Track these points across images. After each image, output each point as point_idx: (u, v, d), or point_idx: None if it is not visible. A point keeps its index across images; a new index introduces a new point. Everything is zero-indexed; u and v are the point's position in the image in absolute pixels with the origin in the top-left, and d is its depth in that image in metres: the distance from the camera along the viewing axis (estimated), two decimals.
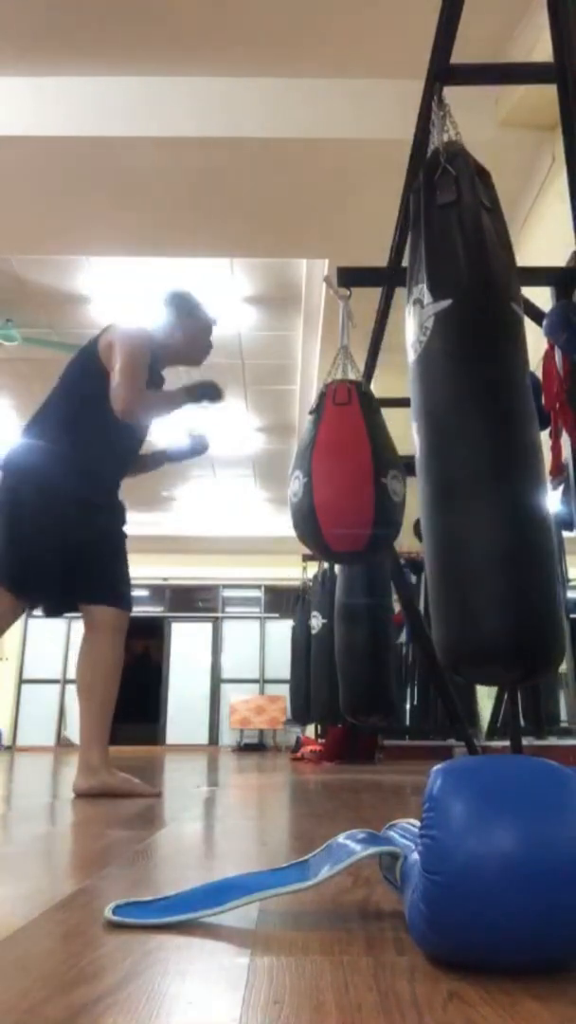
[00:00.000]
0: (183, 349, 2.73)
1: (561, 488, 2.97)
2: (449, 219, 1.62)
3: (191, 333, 2.72)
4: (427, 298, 1.58)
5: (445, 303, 1.55)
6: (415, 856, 0.67)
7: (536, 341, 2.82)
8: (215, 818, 2.07)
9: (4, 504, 2.44)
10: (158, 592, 12.24)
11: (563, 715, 5.35)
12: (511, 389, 1.53)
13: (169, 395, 2.66)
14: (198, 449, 2.86)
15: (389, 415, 2.68)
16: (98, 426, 2.49)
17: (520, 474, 1.48)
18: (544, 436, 2.88)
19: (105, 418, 2.46)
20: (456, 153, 1.69)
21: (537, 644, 1.45)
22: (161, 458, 2.88)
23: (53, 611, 2.70)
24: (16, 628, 11.44)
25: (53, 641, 11.47)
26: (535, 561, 1.45)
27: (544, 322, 2.60)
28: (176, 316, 2.71)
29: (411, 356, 1.63)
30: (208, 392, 2.73)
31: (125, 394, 2.43)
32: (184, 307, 2.72)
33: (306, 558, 7.00)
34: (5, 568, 2.42)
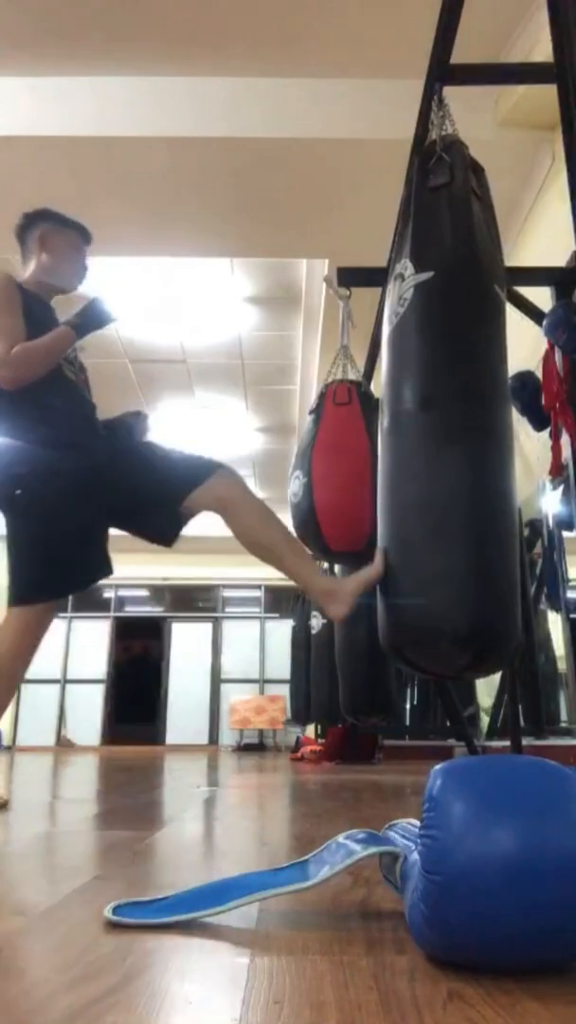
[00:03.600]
0: (53, 275, 2.39)
1: (561, 488, 2.97)
2: (439, 199, 1.62)
3: (54, 255, 2.40)
4: (409, 270, 1.57)
5: (427, 275, 1.53)
6: (415, 856, 0.68)
7: (536, 341, 2.82)
8: (215, 818, 2.07)
9: (11, 517, 2.21)
10: (158, 592, 12.25)
11: (563, 715, 5.34)
12: (480, 362, 1.50)
13: (54, 337, 2.25)
14: (142, 426, 2.46)
15: None
16: (21, 400, 2.18)
17: (482, 450, 1.44)
18: (544, 436, 2.89)
19: (24, 392, 2.16)
20: (452, 143, 1.70)
21: (490, 626, 1.38)
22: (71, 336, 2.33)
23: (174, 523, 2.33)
24: None
25: (53, 641, 11.48)
26: (493, 539, 1.39)
27: (544, 322, 2.60)
28: (33, 242, 2.40)
29: (386, 329, 1.61)
30: (95, 315, 2.33)
31: None
32: (37, 230, 2.41)
33: None
34: (39, 583, 2.19)
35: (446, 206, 1.60)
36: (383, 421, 1.57)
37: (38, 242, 2.41)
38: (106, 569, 2.31)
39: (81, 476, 2.17)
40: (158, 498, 2.22)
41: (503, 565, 1.40)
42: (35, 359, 2.19)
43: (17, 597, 2.17)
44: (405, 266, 1.59)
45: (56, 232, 2.43)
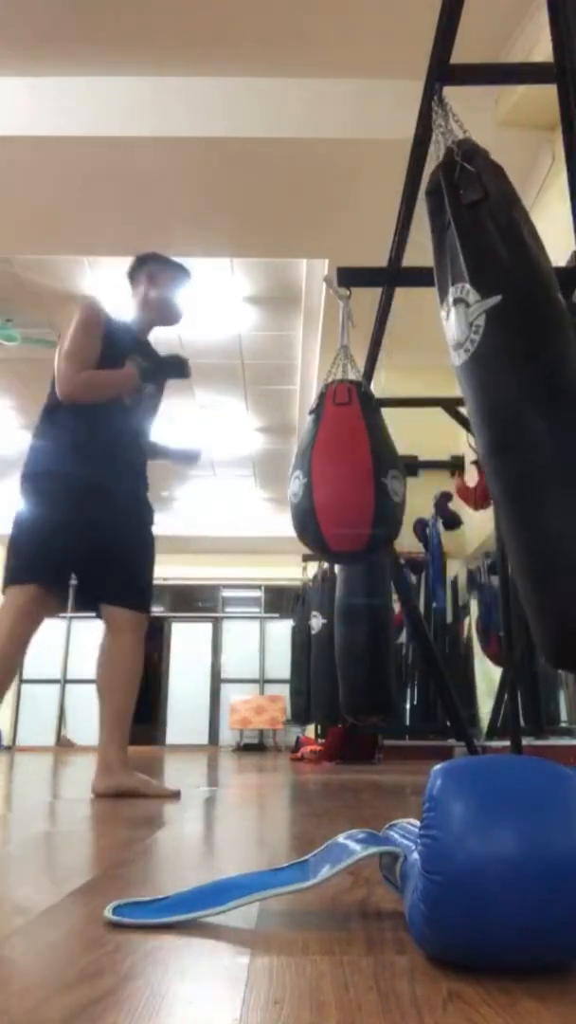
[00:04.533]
0: (154, 312, 2.71)
1: None
2: (480, 216, 1.60)
3: (158, 295, 2.70)
4: (472, 296, 1.55)
5: (494, 299, 1.52)
6: (415, 856, 0.67)
7: None
8: (215, 818, 2.07)
9: (26, 505, 2.47)
10: (158, 592, 12.22)
11: (563, 715, 5.34)
12: (570, 380, 1.50)
13: (120, 376, 2.54)
14: (189, 458, 2.83)
15: (389, 415, 2.68)
16: (77, 413, 2.47)
17: None
18: None
19: (80, 406, 2.46)
20: (472, 150, 1.68)
21: None
22: (155, 451, 2.82)
23: (83, 604, 2.63)
24: None
25: (53, 641, 11.48)
26: None
27: None
28: (142, 280, 2.71)
29: (461, 357, 1.59)
30: (166, 368, 2.67)
31: (60, 377, 2.42)
32: (146, 268, 2.72)
33: (306, 558, 7.00)
34: (31, 564, 2.41)
35: (491, 223, 1.58)
36: (484, 448, 1.56)
37: (146, 287, 2.70)
38: (83, 593, 2.58)
39: (85, 496, 2.43)
40: (107, 580, 2.49)
41: None
42: (96, 388, 2.50)
43: (11, 577, 2.41)
44: (465, 291, 1.57)
45: (162, 271, 2.73)
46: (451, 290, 1.62)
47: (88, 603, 2.56)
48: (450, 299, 1.63)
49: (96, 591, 2.52)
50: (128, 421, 2.59)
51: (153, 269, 2.71)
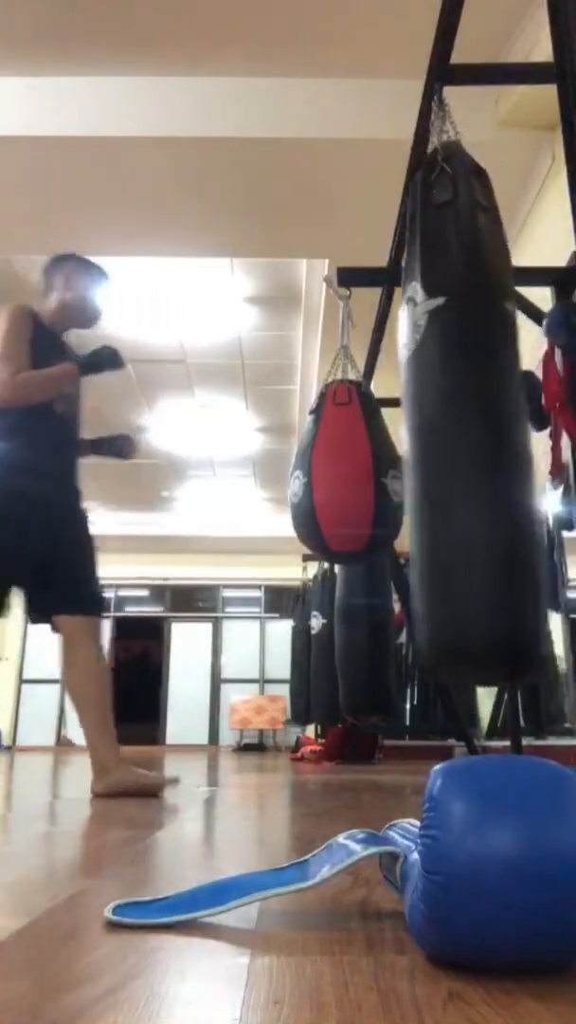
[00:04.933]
0: (71, 315, 2.67)
1: (561, 488, 2.97)
2: (445, 218, 1.62)
3: (75, 295, 2.65)
4: (420, 296, 1.58)
5: (438, 300, 1.55)
6: (415, 856, 0.68)
7: (536, 341, 2.82)
8: (215, 818, 2.07)
9: None
10: (158, 592, 12.25)
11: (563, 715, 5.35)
12: (502, 389, 1.52)
13: (59, 371, 2.51)
14: (121, 447, 2.78)
15: (389, 415, 2.68)
16: (13, 420, 2.44)
17: (510, 474, 1.48)
18: (544, 436, 2.89)
19: (12, 416, 2.43)
20: (454, 152, 1.69)
21: (522, 646, 1.44)
22: (86, 448, 2.77)
23: (35, 619, 2.62)
24: (16, 628, 11.47)
25: (53, 641, 11.40)
26: (525, 562, 1.43)
27: (544, 322, 2.60)
28: (57, 280, 2.67)
29: (404, 355, 1.62)
30: (102, 361, 2.60)
31: None
32: (62, 269, 2.68)
33: (306, 558, 7.00)
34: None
35: (452, 226, 1.60)
36: (411, 446, 1.57)
37: (61, 287, 2.65)
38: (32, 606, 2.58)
39: (27, 515, 2.41)
40: (52, 592, 2.48)
41: (534, 588, 1.44)
42: (37, 388, 2.49)
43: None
44: (416, 290, 1.59)
45: (78, 273, 2.67)
46: (407, 288, 1.64)
47: (41, 618, 2.55)
48: (405, 297, 1.64)
49: (47, 605, 2.51)
50: (61, 429, 2.58)
51: (69, 271, 2.67)
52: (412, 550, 1.54)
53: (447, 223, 1.61)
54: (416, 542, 1.53)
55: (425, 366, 1.56)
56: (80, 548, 2.56)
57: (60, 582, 2.47)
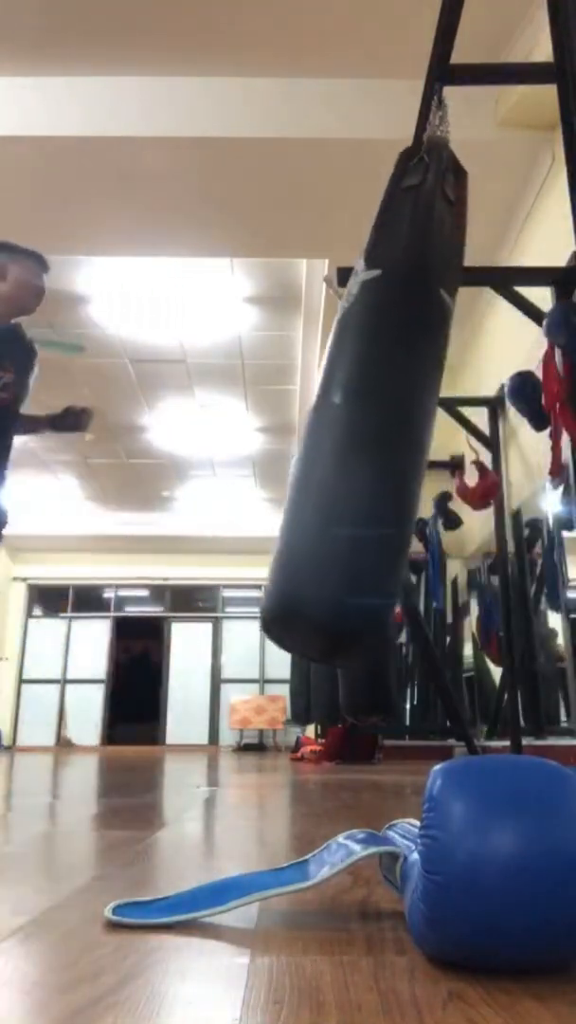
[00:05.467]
0: (9, 304, 2.67)
1: (561, 488, 2.97)
2: (405, 200, 1.64)
3: (12, 286, 2.65)
4: (360, 266, 1.60)
5: (374, 272, 1.56)
6: (415, 856, 0.68)
7: (536, 341, 2.82)
8: (215, 818, 2.07)
9: None
10: (158, 592, 12.24)
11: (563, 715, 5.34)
12: (414, 371, 1.52)
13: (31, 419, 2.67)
14: (71, 421, 2.81)
15: None
16: None
17: (389, 456, 1.46)
18: (544, 436, 2.89)
19: None
20: (436, 146, 1.70)
21: (347, 617, 1.40)
22: (41, 426, 2.81)
23: None
24: (16, 628, 11.48)
25: (53, 641, 11.48)
26: (378, 538, 1.41)
27: (544, 322, 2.60)
28: None
29: (335, 323, 1.64)
30: (66, 423, 2.76)
31: None
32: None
33: None
34: None
35: (409, 207, 1.62)
36: (312, 406, 1.58)
37: None
38: None
39: None
40: None
41: (376, 564, 1.41)
42: None
43: None
44: (359, 263, 1.62)
45: (13, 262, 2.66)
46: (356, 263, 1.66)
47: None
48: (352, 276, 1.66)
49: None
50: None
51: (4, 260, 2.66)
52: (289, 500, 1.52)
53: (405, 205, 1.63)
54: (296, 493, 1.51)
55: (344, 331, 1.57)
56: None
57: None
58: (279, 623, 1.48)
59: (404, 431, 1.49)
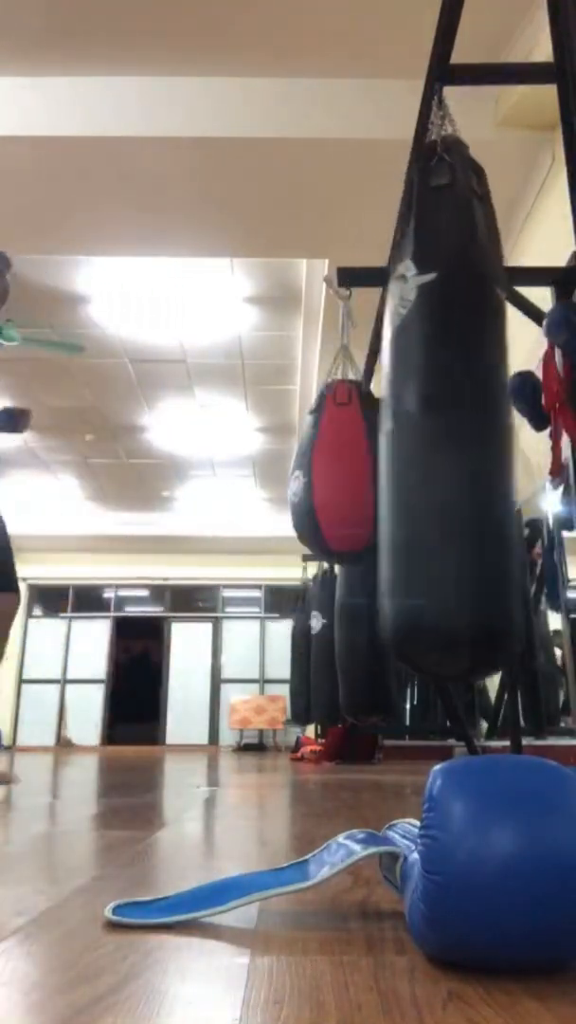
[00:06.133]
0: None
1: (561, 488, 2.97)
2: (441, 199, 1.62)
3: None
4: (412, 271, 1.57)
5: (429, 276, 1.54)
6: (415, 856, 0.68)
7: (536, 341, 2.82)
8: (215, 818, 2.07)
9: None
10: (158, 592, 12.24)
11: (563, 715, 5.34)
12: (486, 369, 1.51)
13: None
14: (16, 425, 2.88)
15: None
16: None
17: (483, 453, 1.45)
18: (544, 436, 2.89)
19: None
20: (453, 145, 1.70)
21: (490, 629, 1.39)
22: None
23: None
24: (16, 628, 11.45)
25: (53, 641, 11.48)
26: (493, 542, 1.41)
27: (544, 322, 2.60)
28: None
29: (388, 330, 1.62)
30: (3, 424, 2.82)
31: None
32: None
33: (306, 558, 7.00)
34: None
35: (448, 206, 1.60)
36: (384, 423, 1.57)
37: None
38: None
39: None
40: None
41: (503, 568, 1.41)
42: None
43: None
44: (408, 267, 1.59)
45: None
46: (398, 267, 1.63)
47: None
48: (395, 275, 1.64)
49: None
50: None
51: None
52: (381, 519, 1.51)
53: (443, 204, 1.62)
54: (385, 513, 1.50)
55: (409, 338, 1.55)
56: None
57: None
58: (414, 647, 1.47)
59: (494, 426, 1.48)
